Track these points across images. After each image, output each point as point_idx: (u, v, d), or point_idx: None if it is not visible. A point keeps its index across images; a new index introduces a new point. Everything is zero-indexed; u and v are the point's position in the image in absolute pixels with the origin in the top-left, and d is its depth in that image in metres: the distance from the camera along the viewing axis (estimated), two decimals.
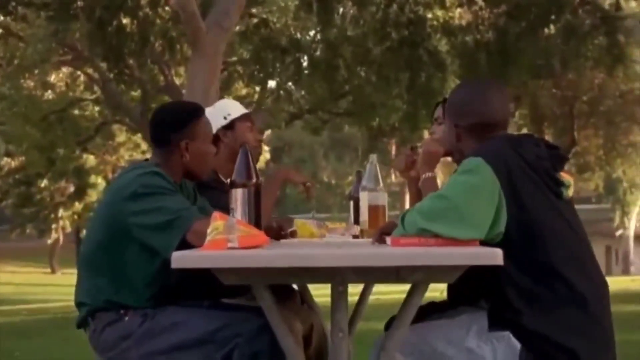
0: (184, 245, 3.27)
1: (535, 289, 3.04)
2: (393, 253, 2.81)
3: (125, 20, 18.53)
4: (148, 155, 4.09)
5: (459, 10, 19.35)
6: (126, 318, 3.51)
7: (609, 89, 26.56)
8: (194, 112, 3.77)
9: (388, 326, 4.01)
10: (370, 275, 2.89)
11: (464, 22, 19.18)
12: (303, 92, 22.90)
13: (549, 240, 3.05)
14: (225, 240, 2.82)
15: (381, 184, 3.88)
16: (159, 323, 3.46)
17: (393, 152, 39.90)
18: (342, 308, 2.94)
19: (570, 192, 3.21)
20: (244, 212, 3.27)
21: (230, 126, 4.35)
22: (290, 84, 22.65)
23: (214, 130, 4.06)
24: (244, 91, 26.18)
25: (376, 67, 19.26)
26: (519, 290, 3.05)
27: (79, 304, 3.64)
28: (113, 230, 3.49)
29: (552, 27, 18.47)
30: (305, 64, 20.91)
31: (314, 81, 20.51)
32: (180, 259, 2.73)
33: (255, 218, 3.28)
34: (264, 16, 20.18)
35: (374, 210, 3.86)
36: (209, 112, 4.26)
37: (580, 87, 26.26)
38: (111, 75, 20.60)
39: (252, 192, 3.29)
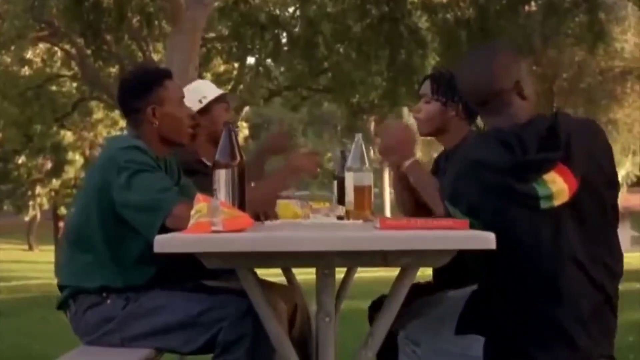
0: (165, 228, 3.20)
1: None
2: (381, 236, 2.73)
3: None
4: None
5: None
6: (108, 301, 3.44)
7: (589, 67, 26.54)
8: (158, 76, 3.69)
9: (372, 309, 3.96)
10: (357, 259, 2.81)
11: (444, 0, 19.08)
12: (282, 69, 22.76)
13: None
14: (209, 224, 2.74)
15: (367, 164, 3.80)
16: (142, 306, 3.40)
17: (372, 128, 39.83)
18: (328, 292, 2.87)
19: (556, 200, 2.87)
20: (227, 193, 3.18)
21: (206, 109, 4.27)
22: (269, 60, 22.51)
23: None
24: (222, 68, 26.02)
25: (356, 43, 19.13)
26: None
27: (60, 286, 3.56)
28: (99, 206, 3.42)
29: (532, 4, 18.38)
30: (284, 40, 20.75)
31: (293, 58, 20.37)
32: (163, 243, 2.65)
33: (240, 199, 3.20)
34: None
35: (359, 191, 3.77)
36: None
37: (560, 65, 26.22)
38: (89, 52, 20.41)
39: (236, 173, 3.20)
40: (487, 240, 2.64)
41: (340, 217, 4.09)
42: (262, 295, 2.91)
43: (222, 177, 3.19)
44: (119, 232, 3.43)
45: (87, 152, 33.81)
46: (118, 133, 30.29)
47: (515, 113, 3.05)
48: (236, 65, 24.67)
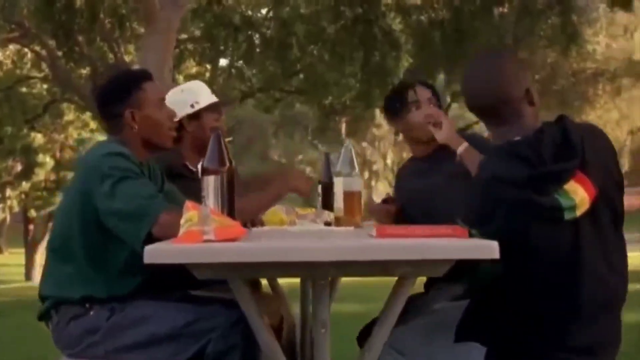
0: (151, 236, 3.11)
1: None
2: (380, 246, 2.64)
3: None
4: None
5: None
6: (92, 312, 3.34)
7: (561, 69, 26.60)
8: (135, 79, 3.59)
9: (362, 337, 3.86)
10: (354, 269, 2.72)
11: (418, 1, 19.00)
12: (255, 71, 22.60)
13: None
14: (201, 232, 2.64)
15: (356, 169, 3.72)
16: (127, 317, 3.29)
17: (343, 130, 39.73)
18: (324, 302, 2.78)
19: (579, 210, 2.78)
20: (216, 201, 3.09)
21: (196, 115, 4.16)
22: (241, 62, 22.34)
23: (178, 117, 3.91)
24: (194, 69, 25.84)
25: (330, 45, 19.03)
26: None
27: (42, 297, 3.45)
28: (81, 214, 3.32)
29: (506, 5, 18.37)
30: (257, 42, 20.60)
31: (266, 59, 20.24)
32: (154, 253, 2.54)
33: (229, 206, 3.10)
34: None
35: (349, 196, 3.70)
36: (175, 94, 4.08)
37: (533, 67, 26.23)
38: (60, 53, 20.18)
39: (225, 179, 3.10)
40: (490, 249, 2.55)
41: (327, 223, 4.00)
42: (255, 306, 2.81)
43: (211, 183, 3.10)
44: (101, 241, 3.32)
45: (58, 154, 33.48)
46: (88, 135, 30.08)
47: (525, 122, 2.98)
48: (209, 66, 24.48)
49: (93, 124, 29.65)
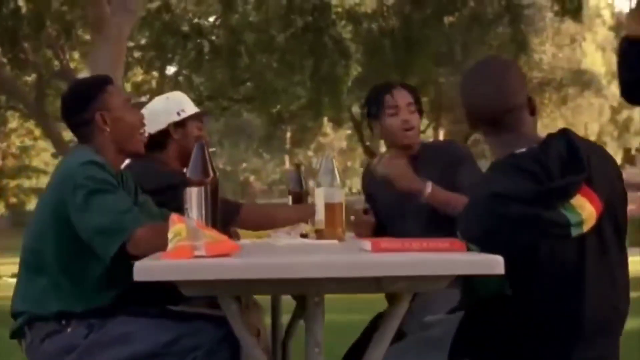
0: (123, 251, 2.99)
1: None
2: (379, 262, 2.52)
3: (20, 3, 17.86)
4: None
5: None
6: (69, 329, 3.14)
7: None
8: (98, 83, 3.45)
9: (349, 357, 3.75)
10: (349, 285, 2.59)
11: (369, 9, 18.99)
12: (203, 79, 22.45)
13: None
14: (191, 248, 2.50)
15: (338, 180, 3.58)
16: (107, 334, 3.11)
17: (287, 137, 39.71)
18: (318, 320, 2.63)
19: (586, 226, 2.67)
20: (199, 213, 2.94)
21: (181, 123, 4.03)
22: (189, 70, 22.16)
23: (165, 124, 3.79)
24: (140, 77, 25.62)
25: (279, 53, 18.94)
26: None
27: (15, 313, 3.28)
28: (54, 226, 3.14)
29: (456, 14, 18.43)
30: (207, 49, 20.44)
31: (214, 67, 20.08)
32: (144, 270, 2.39)
33: (213, 218, 2.97)
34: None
35: (330, 208, 3.55)
36: (161, 101, 3.97)
37: None
38: (5, 60, 19.88)
39: (209, 191, 2.97)
40: (495, 264, 2.44)
41: (303, 235, 3.89)
42: (245, 323, 2.68)
43: (194, 194, 2.95)
44: (76, 252, 3.16)
45: (0, 162, 33.07)
46: (32, 143, 29.74)
47: (526, 130, 2.85)
48: (156, 74, 24.28)
49: (37, 132, 29.30)
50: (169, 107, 3.97)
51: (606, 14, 39.45)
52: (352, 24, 19.18)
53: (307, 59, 18.52)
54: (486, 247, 2.61)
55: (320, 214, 3.57)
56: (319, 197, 3.57)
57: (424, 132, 33.72)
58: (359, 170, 38.74)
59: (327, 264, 2.50)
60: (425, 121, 33.36)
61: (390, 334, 2.68)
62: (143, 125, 3.48)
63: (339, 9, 18.83)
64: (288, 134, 37.24)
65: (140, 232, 2.98)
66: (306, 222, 3.97)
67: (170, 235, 2.57)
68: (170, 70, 23.76)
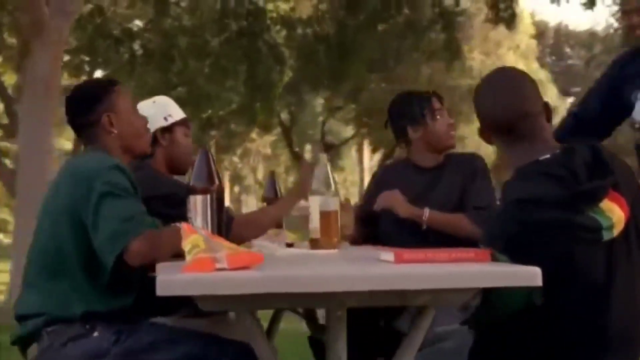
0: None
1: None
2: (405, 274, 2.41)
3: None
4: None
5: (300, 2, 19.06)
6: (95, 333, 3.01)
7: (437, 84, 26.84)
8: (105, 84, 3.41)
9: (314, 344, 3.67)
10: (371, 298, 2.46)
11: (303, 15, 18.89)
12: (134, 83, 22.09)
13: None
14: (212, 260, 2.36)
15: (333, 187, 3.47)
16: (138, 342, 3.02)
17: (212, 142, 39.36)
18: (340, 335, 2.54)
19: (616, 230, 2.62)
20: (204, 222, 2.83)
21: (169, 129, 3.89)
22: (118, 75, 21.77)
23: (152, 130, 3.66)
24: (67, 82, 25.14)
25: (213, 58, 18.72)
26: None
27: (25, 315, 3.10)
28: (71, 227, 3.05)
29: (390, 21, 18.42)
30: (139, 53, 20.09)
31: (147, 71, 19.76)
32: (167, 285, 2.24)
33: (218, 228, 2.83)
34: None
35: (326, 216, 3.44)
36: (147, 106, 3.83)
37: (409, 82, 26.43)
38: None
39: (214, 199, 2.84)
40: (532, 276, 2.35)
41: (289, 245, 3.78)
42: (265, 339, 2.55)
43: (198, 203, 2.84)
44: (96, 254, 3.05)
45: None
46: None
47: (545, 137, 2.80)
48: (84, 79, 23.85)
49: None
50: (155, 112, 3.83)
51: (527, 22, 39.93)
52: (286, 29, 19.06)
53: (241, 64, 18.35)
54: (516, 254, 2.54)
55: (315, 222, 3.46)
56: (314, 205, 3.46)
57: (352, 138, 33.82)
58: (283, 176, 38.69)
59: (355, 277, 2.40)
60: (350, 128, 33.48)
61: (415, 347, 2.59)
62: (147, 127, 3.42)
63: (274, 14, 18.68)
64: (213, 141, 37.00)
65: (137, 242, 2.88)
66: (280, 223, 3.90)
67: (186, 246, 2.43)
68: (99, 74, 23.35)
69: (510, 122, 2.81)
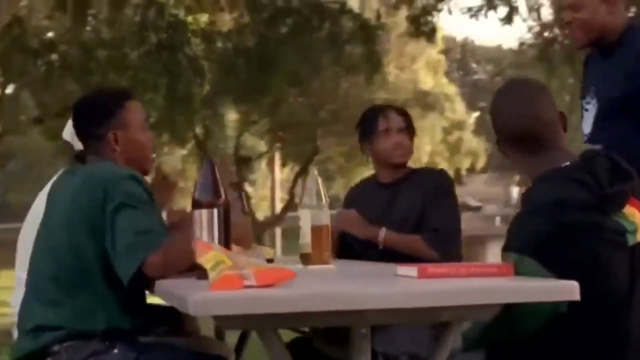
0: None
1: None
2: (433, 290, 2.36)
3: None
4: None
5: (221, 15, 18.90)
6: (115, 350, 2.91)
7: (354, 98, 26.90)
8: (118, 97, 3.31)
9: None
10: (396, 315, 2.40)
11: (224, 28, 18.74)
12: (50, 96, 21.66)
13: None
14: (240, 277, 2.26)
15: (324, 201, 3.38)
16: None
17: None
18: (367, 355, 2.45)
19: (638, 235, 2.64)
20: (211, 238, 2.71)
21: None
22: (34, 87, 21.32)
23: None
24: None
25: (133, 71, 18.43)
26: None
27: (35, 329, 2.97)
28: (92, 238, 2.97)
29: (312, 34, 18.39)
30: (57, 65, 19.68)
31: (64, 84, 19.38)
32: (203, 305, 2.15)
33: (225, 245, 2.72)
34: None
35: (317, 231, 3.35)
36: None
37: (325, 95, 26.43)
38: None
39: (221, 213, 2.72)
40: (571, 290, 2.30)
41: (269, 260, 3.68)
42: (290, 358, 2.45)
43: (204, 218, 2.71)
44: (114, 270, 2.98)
45: None
46: None
47: (563, 145, 2.81)
48: None
49: None
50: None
51: (437, 37, 40.45)
52: (206, 42, 18.88)
53: (161, 77, 18.11)
54: (546, 257, 2.54)
55: (306, 237, 3.37)
56: (305, 219, 3.37)
57: (267, 152, 33.64)
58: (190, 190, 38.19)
59: (384, 294, 2.33)
60: (264, 143, 33.31)
61: None
62: (153, 145, 3.34)
63: (194, 27, 18.49)
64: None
65: (152, 257, 2.81)
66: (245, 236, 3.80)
67: (207, 262, 2.33)
68: (10, 89, 22.89)
69: (529, 131, 2.80)
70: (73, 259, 3.01)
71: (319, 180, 3.41)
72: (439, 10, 17.87)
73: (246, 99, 20.49)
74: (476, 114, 42.72)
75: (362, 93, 26.09)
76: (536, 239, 2.59)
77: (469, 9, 18.64)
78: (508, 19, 18.10)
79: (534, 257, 2.55)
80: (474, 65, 69.54)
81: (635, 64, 3.78)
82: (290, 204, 28.04)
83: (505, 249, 2.67)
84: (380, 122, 4.20)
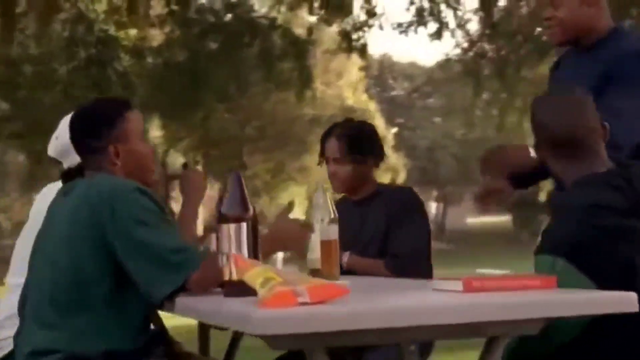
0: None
1: None
2: (482, 305, 2.28)
3: None
4: None
5: (151, 30, 18.73)
6: None
7: (280, 114, 26.92)
8: (118, 108, 3.10)
9: None
10: (443, 331, 2.33)
11: (155, 43, 18.59)
12: None
13: None
14: (294, 294, 2.16)
15: (332, 215, 3.29)
16: None
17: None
18: None
19: None
20: (240, 254, 2.60)
21: None
22: None
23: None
24: None
25: (61, 86, 18.16)
26: None
27: (31, 353, 2.83)
28: (94, 258, 2.82)
29: (244, 50, 18.36)
30: None
31: None
32: (267, 324, 2.03)
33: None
34: None
35: (326, 245, 3.26)
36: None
37: (253, 111, 26.38)
38: None
39: (250, 228, 2.62)
40: (630, 302, 2.26)
41: (314, 271, 3.59)
42: None
43: (232, 232, 2.60)
44: (123, 286, 2.85)
45: None
46: None
47: (604, 154, 2.86)
48: None
49: None
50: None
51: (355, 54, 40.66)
52: (137, 57, 18.70)
53: (90, 93, 17.85)
54: (581, 260, 2.56)
55: (315, 253, 3.27)
56: (315, 234, 3.28)
57: (195, 165, 33.35)
58: None
59: (435, 310, 2.26)
60: (180, 159, 33.06)
61: None
62: (154, 156, 3.17)
63: (125, 42, 18.30)
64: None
65: (196, 276, 2.72)
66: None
67: (255, 279, 2.23)
68: None
69: (573, 138, 2.84)
70: (72, 278, 2.85)
71: (327, 194, 3.32)
72: (370, 26, 17.88)
73: (175, 115, 20.31)
74: (394, 130, 42.97)
75: (290, 109, 26.11)
76: (570, 242, 2.60)
77: (399, 25, 18.70)
78: (438, 35, 18.23)
79: (568, 259, 2.56)
80: (391, 81, 69.94)
81: (612, 66, 3.76)
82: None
83: (539, 251, 2.67)
84: (324, 150, 4.20)
